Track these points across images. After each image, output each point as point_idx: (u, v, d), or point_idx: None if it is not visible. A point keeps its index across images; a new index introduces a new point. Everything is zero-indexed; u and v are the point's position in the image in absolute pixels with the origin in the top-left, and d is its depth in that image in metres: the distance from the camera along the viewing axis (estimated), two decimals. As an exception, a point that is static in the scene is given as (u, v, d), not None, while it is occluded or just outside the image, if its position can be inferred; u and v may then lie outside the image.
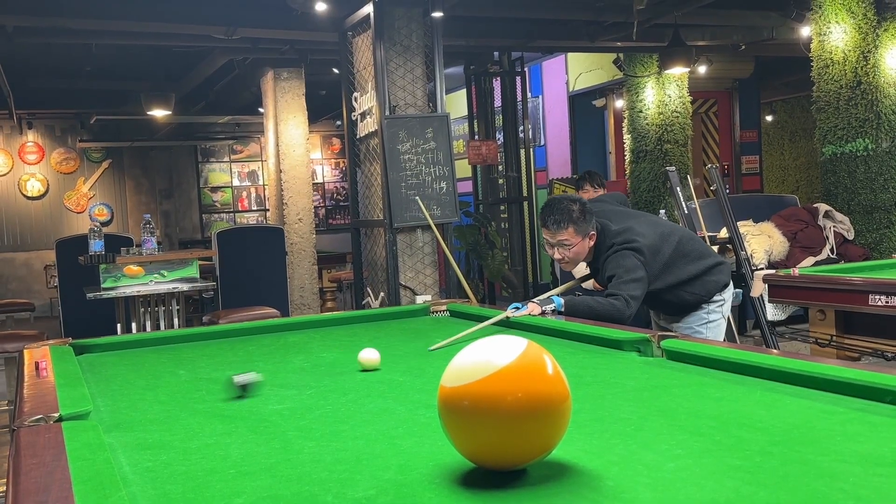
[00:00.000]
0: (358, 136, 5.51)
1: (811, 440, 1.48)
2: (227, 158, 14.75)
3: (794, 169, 13.29)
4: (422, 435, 1.65)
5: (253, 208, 14.85)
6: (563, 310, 3.01)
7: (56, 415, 1.79)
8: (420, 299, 4.95)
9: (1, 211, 13.10)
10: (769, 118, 13.16)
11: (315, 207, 15.15)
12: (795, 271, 4.09)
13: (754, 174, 11.43)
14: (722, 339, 3.39)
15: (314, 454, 1.56)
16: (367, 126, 5.28)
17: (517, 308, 2.94)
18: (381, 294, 5.16)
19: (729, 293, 3.42)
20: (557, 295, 3.16)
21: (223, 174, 14.81)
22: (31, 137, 13.19)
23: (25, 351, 2.77)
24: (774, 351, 2.17)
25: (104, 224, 13.55)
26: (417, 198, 4.80)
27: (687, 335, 3.02)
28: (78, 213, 13.70)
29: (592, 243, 3.20)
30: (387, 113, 4.99)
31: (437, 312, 3.46)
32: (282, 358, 2.67)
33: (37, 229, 13.28)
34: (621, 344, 2.42)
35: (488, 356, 1.36)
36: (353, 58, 5.54)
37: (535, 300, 3.04)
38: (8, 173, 13.14)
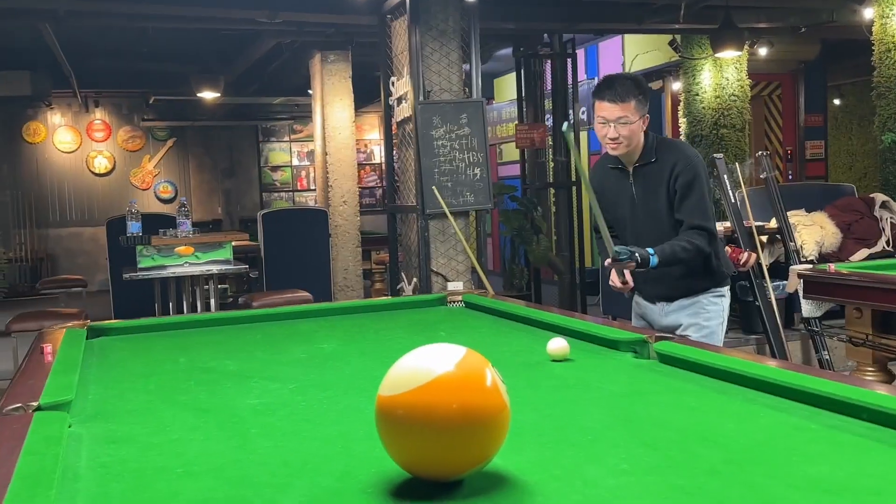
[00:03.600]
0: (395, 121, 5.51)
1: (767, 460, 1.42)
2: (286, 138, 14.94)
3: (862, 155, 12.81)
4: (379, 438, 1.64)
5: (311, 188, 14.99)
6: (655, 267, 2.91)
7: (35, 404, 1.83)
8: (451, 286, 4.94)
9: (70, 187, 13.49)
10: (837, 102, 12.70)
11: (372, 188, 15.30)
12: (832, 267, 3.94)
13: (819, 160, 11.07)
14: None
15: (265, 455, 1.56)
16: (403, 111, 5.27)
17: (619, 253, 2.84)
18: (414, 279, 5.16)
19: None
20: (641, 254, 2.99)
21: (283, 154, 15.00)
22: (98, 115, 13.54)
23: (41, 334, 2.85)
24: (766, 360, 2.10)
25: (168, 201, 13.89)
26: (434, 188, 4.77)
27: (704, 341, 2.91)
28: (144, 189, 14.04)
29: (645, 127, 3.04)
30: (421, 98, 4.97)
31: (453, 303, 3.44)
32: (283, 348, 2.69)
33: (104, 205, 13.64)
34: (618, 344, 2.37)
35: (424, 364, 1.34)
36: (392, 41, 5.52)
37: (636, 250, 2.89)
38: (76, 150, 13.52)
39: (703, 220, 2.99)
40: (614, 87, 2.98)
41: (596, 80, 10.79)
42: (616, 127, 2.98)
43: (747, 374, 1.90)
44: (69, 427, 1.74)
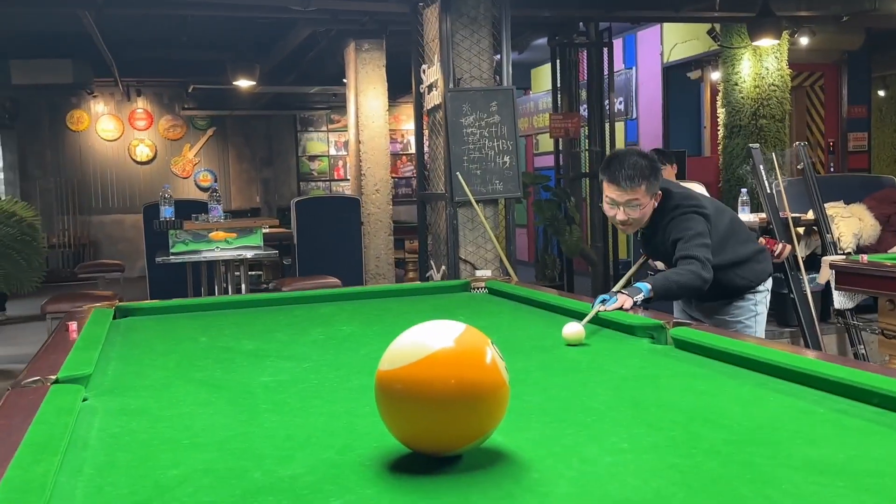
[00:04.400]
0: (425, 109, 5.52)
1: (768, 441, 1.41)
2: (324, 128, 15.02)
3: (907, 147, 12.53)
4: (384, 414, 1.65)
5: (348, 177, 15.06)
6: (651, 296, 2.70)
7: (53, 377, 1.87)
8: (479, 274, 4.94)
9: (112, 174, 13.71)
10: (881, 93, 12.43)
11: (409, 178, 15.32)
12: (864, 258, 3.88)
13: (862, 152, 10.85)
14: (763, 333, 3.23)
15: (272, 429, 1.58)
16: (434, 99, 5.27)
17: (605, 301, 2.56)
18: (443, 267, 5.18)
19: (771, 283, 3.26)
20: (630, 281, 2.91)
21: (320, 143, 15.09)
22: (140, 104, 13.73)
23: (68, 314, 2.92)
24: (779, 345, 2.08)
25: (207, 189, 14.06)
26: (458, 174, 4.77)
27: (737, 332, 2.89)
28: (184, 178, 14.21)
29: (657, 204, 2.88)
30: (451, 86, 4.97)
31: (476, 289, 3.45)
32: (302, 329, 2.72)
33: (145, 192, 13.82)
34: (635, 330, 2.36)
35: (423, 339, 1.36)
36: (423, 29, 5.53)
37: (623, 291, 2.67)
38: (119, 138, 13.72)
39: (687, 251, 2.82)
40: (624, 170, 2.79)
41: (634, 70, 10.71)
42: (625, 210, 2.85)
43: (759, 359, 1.88)
44: (85, 400, 1.78)
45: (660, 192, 2.89)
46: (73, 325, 2.54)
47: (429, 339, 1.35)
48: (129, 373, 2.13)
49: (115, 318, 2.92)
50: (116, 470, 1.36)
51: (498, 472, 1.30)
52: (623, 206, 2.84)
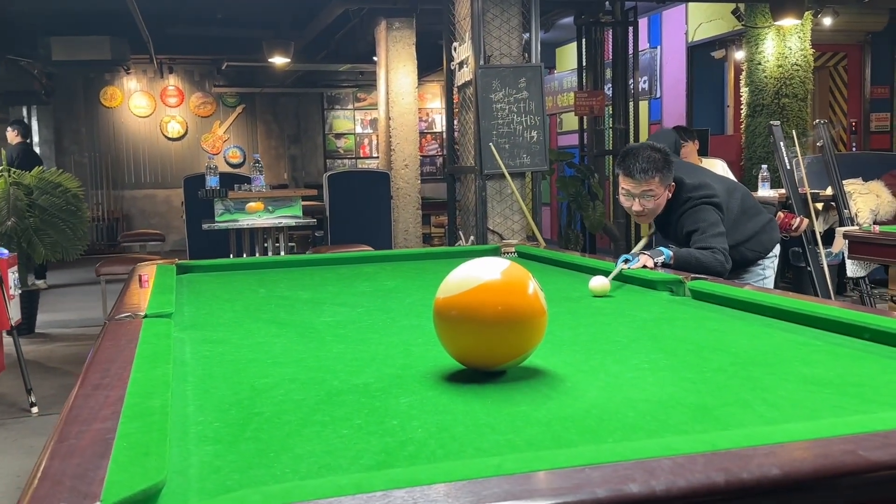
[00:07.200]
0: (456, 85, 5.74)
1: (769, 363, 1.65)
2: (350, 106, 15.25)
3: (931, 128, 12.57)
4: (435, 344, 1.89)
5: (374, 155, 15.31)
6: (671, 262, 2.87)
7: (142, 313, 2.14)
8: (508, 240, 5.17)
9: (144, 150, 14.03)
10: (906, 73, 12.45)
11: (433, 156, 15.55)
12: (876, 228, 4.07)
13: (884, 132, 10.96)
14: None
15: (340, 353, 1.84)
16: (464, 75, 5.49)
17: (628, 260, 2.76)
18: (472, 237, 5.41)
19: (779, 249, 3.47)
20: (646, 248, 3.08)
21: (347, 121, 15.32)
22: (172, 82, 14.02)
23: (136, 267, 3.19)
24: (787, 293, 2.30)
25: (236, 166, 14.36)
26: (491, 144, 4.99)
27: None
28: (213, 154, 14.50)
29: (671, 195, 3.09)
30: (481, 62, 5.19)
31: (506, 253, 3.69)
32: (350, 283, 2.97)
33: (176, 168, 14.13)
34: (656, 284, 2.59)
35: (475, 272, 1.60)
36: (455, 8, 5.73)
37: (645, 252, 2.88)
38: (151, 115, 14.03)
39: (703, 242, 3.01)
40: (638, 163, 2.98)
41: (659, 49, 10.84)
42: (641, 201, 3.05)
43: (767, 304, 2.11)
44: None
45: (673, 183, 3.08)
46: (146, 276, 2.81)
47: (479, 272, 1.59)
48: (203, 314, 2.39)
49: (176, 273, 3.19)
50: (215, 379, 1.62)
51: (537, 381, 1.55)
52: (638, 197, 3.05)
